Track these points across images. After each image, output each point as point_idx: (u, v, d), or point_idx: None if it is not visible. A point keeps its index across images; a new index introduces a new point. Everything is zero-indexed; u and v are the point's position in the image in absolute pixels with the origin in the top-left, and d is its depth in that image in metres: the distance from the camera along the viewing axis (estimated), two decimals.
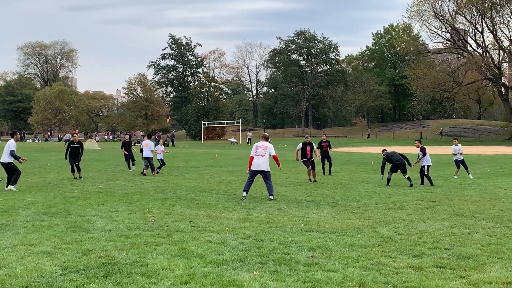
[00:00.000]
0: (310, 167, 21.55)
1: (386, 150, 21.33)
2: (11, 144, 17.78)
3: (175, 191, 17.52)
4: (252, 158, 15.97)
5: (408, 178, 19.88)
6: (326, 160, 24.90)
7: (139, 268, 7.55)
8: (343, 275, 7.29)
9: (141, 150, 25.03)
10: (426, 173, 20.73)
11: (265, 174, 15.92)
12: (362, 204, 14.71)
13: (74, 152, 22.35)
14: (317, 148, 23.14)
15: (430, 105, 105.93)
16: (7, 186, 17.52)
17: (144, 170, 23.82)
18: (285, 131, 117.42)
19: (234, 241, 9.45)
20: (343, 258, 8.28)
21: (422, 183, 20.71)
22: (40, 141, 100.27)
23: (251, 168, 15.95)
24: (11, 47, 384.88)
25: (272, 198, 15.54)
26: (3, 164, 17.75)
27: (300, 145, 22.04)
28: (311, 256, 8.35)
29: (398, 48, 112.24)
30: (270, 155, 16.04)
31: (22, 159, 17.93)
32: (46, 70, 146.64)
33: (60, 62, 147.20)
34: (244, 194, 15.73)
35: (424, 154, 21.01)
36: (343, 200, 15.56)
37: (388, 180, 20.27)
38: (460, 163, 24.42)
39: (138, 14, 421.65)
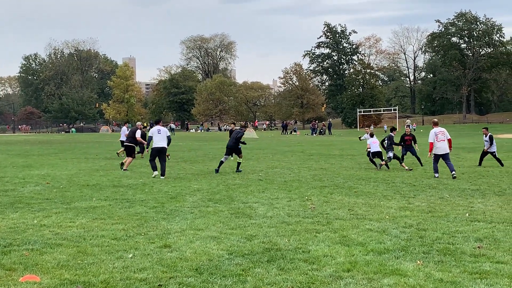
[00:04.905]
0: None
1: None
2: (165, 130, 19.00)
3: (332, 179, 17.56)
4: (432, 144, 17.62)
5: None
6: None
7: (301, 254, 7.68)
8: None
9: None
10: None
11: (447, 156, 17.69)
12: None
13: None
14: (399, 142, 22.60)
15: None
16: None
17: None
18: (444, 117, 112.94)
19: (395, 230, 9.30)
20: None
21: None
22: (202, 131, 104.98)
23: (436, 153, 17.64)
24: (175, 41, 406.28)
25: (455, 174, 17.30)
26: (163, 149, 18.53)
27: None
28: (478, 247, 8.01)
29: None
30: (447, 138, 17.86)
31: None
32: (207, 62, 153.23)
33: (220, 55, 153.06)
34: (436, 175, 17.60)
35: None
36: (511, 189, 14.70)
37: None
38: None
39: (293, 2, 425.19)
